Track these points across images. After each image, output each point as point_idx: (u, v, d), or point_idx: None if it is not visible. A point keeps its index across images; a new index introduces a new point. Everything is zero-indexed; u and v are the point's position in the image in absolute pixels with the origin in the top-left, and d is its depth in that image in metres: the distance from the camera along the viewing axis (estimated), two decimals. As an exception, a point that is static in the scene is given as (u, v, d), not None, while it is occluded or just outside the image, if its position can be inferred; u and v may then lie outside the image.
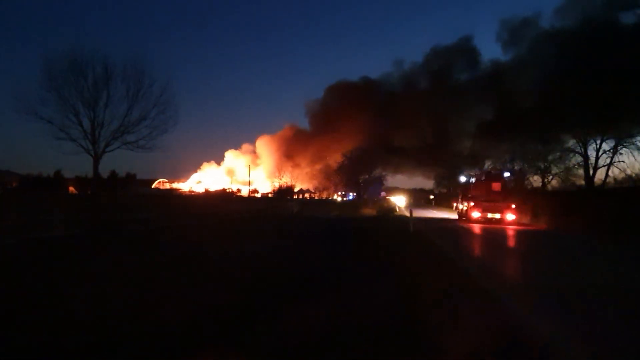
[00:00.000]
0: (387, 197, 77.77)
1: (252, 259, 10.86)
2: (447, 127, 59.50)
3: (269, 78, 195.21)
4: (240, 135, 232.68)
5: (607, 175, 35.44)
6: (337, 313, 5.87)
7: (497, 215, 27.67)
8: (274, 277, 8.42)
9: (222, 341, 4.72)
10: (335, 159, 67.02)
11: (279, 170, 74.57)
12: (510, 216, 27.26)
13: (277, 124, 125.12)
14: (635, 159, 33.53)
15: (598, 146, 35.68)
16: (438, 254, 12.58)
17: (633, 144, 33.73)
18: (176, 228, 19.01)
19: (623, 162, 34.37)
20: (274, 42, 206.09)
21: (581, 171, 37.43)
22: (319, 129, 76.79)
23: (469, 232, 22.04)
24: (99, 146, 26.68)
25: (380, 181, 68.80)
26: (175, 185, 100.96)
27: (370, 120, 65.84)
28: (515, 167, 42.77)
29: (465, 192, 31.95)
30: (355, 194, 70.45)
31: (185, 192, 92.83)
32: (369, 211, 43.37)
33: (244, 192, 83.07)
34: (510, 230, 22.70)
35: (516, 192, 31.44)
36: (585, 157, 36.80)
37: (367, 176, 65.19)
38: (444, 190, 76.50)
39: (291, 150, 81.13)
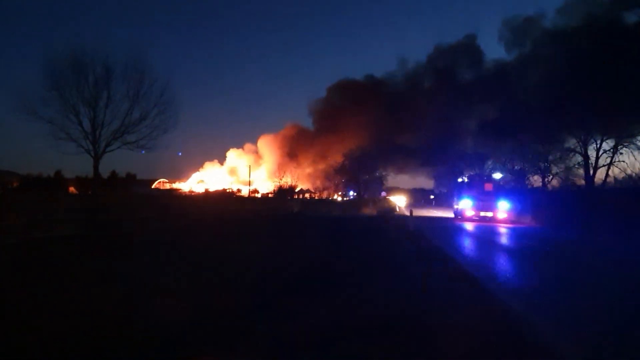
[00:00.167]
0: (387, 197, 77.74)
1: (252, 259, 10.86)
2: (450, 127, 59.46)
3: (271, 77, 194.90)
4: (242, 135, 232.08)
5: (607, 175, 35.42)
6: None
7: (490, 214, 30.19)
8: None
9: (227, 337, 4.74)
10: (336, 158, 66.90)
11: (279, 170, 74.44)
12: (501, 214, 29.80)
13: (279, 123, 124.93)
14: (636, 159, 33.50)
15: (598, 146, 35.67)
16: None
17: (633, 143, 33.69)
18: (174, 229, 19.01)
19: (623, 161, 34.34)
20: (276, 41, 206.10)
21: (581, 171, 37.40)
22: (322, 128, 76.64)
23: (459, 228, 25.07)
24: (99, 146, 26.59)
25: (380, 181, 68.79)
26: (175, 185, 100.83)
27: (373, 119, 65.69)
28: (516, 167, 42.92)
29: (460, 193, 33.89)
30: (355, 194, 70.40)
31: (185, 192, 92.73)
32: (369, 211, 43.49)
33: (244, 192, 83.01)
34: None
35: (510, 192, 33.81)
36: (586, 157, 36.77)
37: (367, 177, 65.11)
38: (445, 190, 76.51)
39: (293, 149, 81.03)
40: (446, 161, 56.91)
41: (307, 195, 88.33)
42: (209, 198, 71.58)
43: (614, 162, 34.92)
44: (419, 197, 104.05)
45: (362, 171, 63.85)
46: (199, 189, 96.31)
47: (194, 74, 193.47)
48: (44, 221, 15.23)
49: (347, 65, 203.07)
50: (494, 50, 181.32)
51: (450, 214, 38.24)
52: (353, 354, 4.45)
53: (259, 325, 5.26)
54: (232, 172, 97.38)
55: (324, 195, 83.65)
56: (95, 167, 27.40)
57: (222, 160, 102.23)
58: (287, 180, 70.91)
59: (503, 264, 12.51)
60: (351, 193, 72.28)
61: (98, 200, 29.59)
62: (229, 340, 4.76)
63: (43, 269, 8.96)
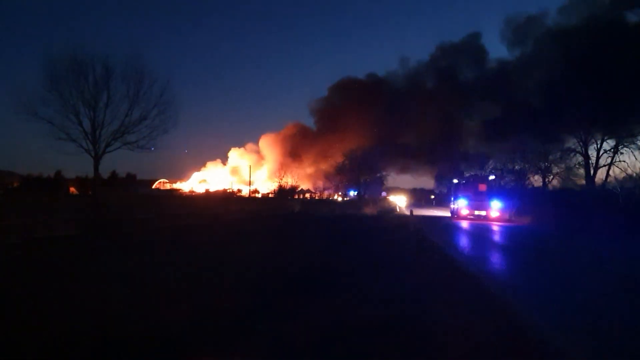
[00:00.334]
0: (388, 197, 77.73)
1: (252, 259, 10.86)
2: (452, 126, 59.42)
3: (273, 76, 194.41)
4: (244, 135, 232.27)
5: (607, 175, 35.42)
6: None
7: (483, 213, 32.36)
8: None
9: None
10: (338, 158, 66.79)
11: (280, 170, 74.37)
12: (494, 213, 31.91)
13: (281, 122, 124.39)
14: (636, 159, 33.50)
15: (599, 146, 35.66)
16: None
17: (634, 143, 33.68)
18: (174, 229, 19.01)
19: (624, 161, 34.34)
20: (277, 40, 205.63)
21: (582, 171, 37.40)
22: (324, 128, 76.53)
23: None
24: (99, 146, 26.61)
25: (381, 181, 68.76)
26: (175, 185, 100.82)
27: (375, 119, 65.55)
28: (516, 167, 42.95)
29: (456, 193, 36.16)
30: (356, 194, 70.36)
31: (185, 192, 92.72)
32: (369, 211, 43.55)
33: (245, 193, 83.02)
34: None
35: (502, 193, 36.20)
36: (586, 157, 36.76)
37: (367, 177, 65.04)
38: (445, 190, 76.48)
39: (295, 149, 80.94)
40: (447, 161, 56.97)
41: (307, 195, 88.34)
42: (209, 198, 71.59)
43: (615, 162, 34.92)
44: (419, 197, 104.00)
45: (363, 171, 63.80)
46: (200, 189, 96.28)
47: (195, 74, 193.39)
48: (44, 221, 15.23)
49: (349, 65, 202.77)
50: (495, 49, 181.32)
51: (449, 214, 39.82)
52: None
53: (259, 325, 5.25)
54: (235, 171, 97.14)
55: (325, 195, 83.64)
56: (96, 167, 27.42)
57: (225, 160, 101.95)
58: (288, 181, 70.82)
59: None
60: (351, 193, 72.21)
61: (98, 200, 29.60)
62: (229, 341, 4.75)
63: (43, 269, 8.96)
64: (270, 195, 78.02)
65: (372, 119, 65.90)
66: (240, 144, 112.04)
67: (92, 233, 15.50)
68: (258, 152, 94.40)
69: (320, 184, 78.30)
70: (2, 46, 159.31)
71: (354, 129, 66.97)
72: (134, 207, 28.23)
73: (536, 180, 41.64)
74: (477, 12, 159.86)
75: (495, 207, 32.04)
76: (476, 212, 32.57)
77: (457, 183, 37.79)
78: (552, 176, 40.29)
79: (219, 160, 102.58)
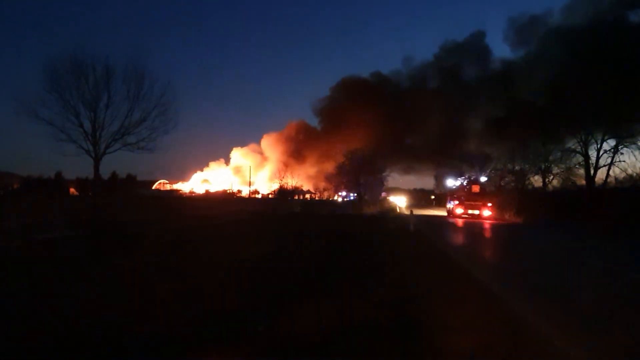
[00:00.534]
0: (388, 198, 77.69)
1: (252, 260, 10.84)
2: (455, 126, 59.42)
3: (275, 76, 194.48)
4: (246, 135, 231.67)
5: (607, 175, 35.40)
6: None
7: (476, 212, 34.85)
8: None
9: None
10: (339, 159, 66.66)
11: (280, 170, 74.29)
12: (486, 212, 34.39)
13: (284, 122, 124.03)
14: (637, 159, 33.47)
15: (599, 146, 35.63)
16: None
17: (634, 143, 33.65)
18: (174, 230, 19.00)
19: (624, 161, 34.33)
20: (280, 40, 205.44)
21: (582, 171, 37.37)
22: (327, 128, 76.49)
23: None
24: (99, 147, 26.56)
25: (381, 182, 68.65)
26: (175, 186, 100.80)
27: (378, 118, 65.45)
28: (516, 167, 42.97)
29: (452, 194, 39.27)
30: (356, 194, 70.30)
31: (185, 193, 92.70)
32: (370, 211, 43.68)
33: (245, 193, 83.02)
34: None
35: (494, 192, 39.25)
36: (586, 157, 36.73)
37: (370, 177, 64.93)
38: (445, 191, 76.40)
39: (298, 148, 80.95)
40: (448, 161, 56.99)
41: (307, 196, 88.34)
42: (209, 199, 71.58)
43: (615, 162, 34.91)
44: (419, 197, 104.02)
45: (363, 171, 63.71)
46: (200, 189, 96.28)
47: (196, 74, 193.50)
48: (45, 223, 15.23)
49: (352, 64, 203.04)
50: (499, 49, 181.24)
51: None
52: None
53: (259, 325, 5.25)
54: (237, 171, 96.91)
55: (325, 196, 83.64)
56: (96, 169, 27.35)
57: (228, 160, 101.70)
58: (289, 181, 70.73)
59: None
60: (351, 194, 72.19)
61: (98, 201, 29.58)
62: (230, 341, 4.75)
63: (44, 270, 8.96)
64: (270, 196, 78.04)
65: (375, 118, 65.84)
66: (243, 143, 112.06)
67: (92, 234, 15.50)
68: (261, 153, 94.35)
69: (321, 185, 78.30)
70: (3, 47, 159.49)
71: (357, 128, 66.90)
72: (134, 208, 28.24)
73: (536, 180, 41.64)
74: (481, 12, 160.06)
75: (487, 207, 34.53)
76: (470, 212, 35.07)
77: (453, 184, 41.03)
78: (552, 176, 40.28)
79: (222, 160, 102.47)
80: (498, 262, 13.46)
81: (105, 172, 62.76)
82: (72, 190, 68.12)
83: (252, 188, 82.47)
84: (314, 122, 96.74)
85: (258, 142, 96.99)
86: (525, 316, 6.16)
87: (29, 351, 4.41)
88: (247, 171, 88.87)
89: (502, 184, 43.29)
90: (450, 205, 38.98)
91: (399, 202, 73.81)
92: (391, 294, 7.21)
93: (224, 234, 18.09)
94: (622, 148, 34.41)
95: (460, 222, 30.81)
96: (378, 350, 4.59)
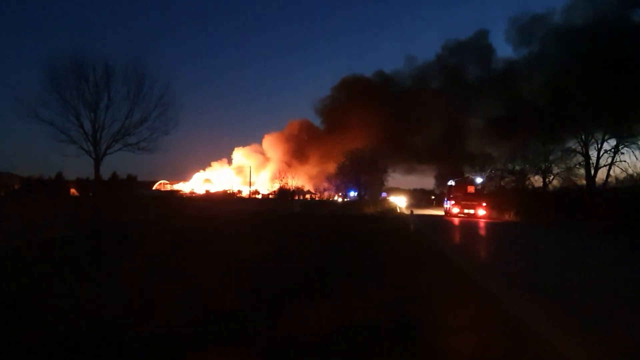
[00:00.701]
0: (388, 198, 77.67)
1: (251, 260, 10.84)
2: (456, 126, 59.43)
3: (277, 75, 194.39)
4: (248, 135, 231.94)
5: (608, 174, 35.41)
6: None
7: (472, 211, 36.49)
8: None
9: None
10: (341, 159, 66.58)
11: (282, 169, 74.25)
12: (481, 212, 36.12)
13: (286, 122, 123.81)
14: (637, 159, 33.47)
15: (599, 146, 35.63)
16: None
17: (635, 143, 33.64)
18: (173, 230, 19.01)
19: (624, 161, 34.32)
20: (280, 39, 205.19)
21: (582, 171, 37.37)
22: (330, 128, 76.38)
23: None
24: (100, 148, 26.58)
25: (381, 182, 68.69)
26: (176, 187, 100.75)
27: (381, 118, 65.34)
28: (516, 168, 43.00)
29: (448, 194, 40.43)
30: (356, 194, 70.30)
31: (185, 193, 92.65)
32: (370, 211, 43.74)
33: (245, 193, 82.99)
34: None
35: (493, 192, 41.22)
36: (587, 157, 36.72)
37: (370, 177, 64.91)
38: (445, 191, 76.38)
39: (300, 147, 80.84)
40: (450, 161, 57.10)
41: (307, 196, 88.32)
42: (209, 199, 71.57)
43: (615, 162, 34.90)
44: (420, 197, 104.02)
45: (364, 171, 63.70)
46: (200, 190, 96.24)
47: (198, 74, 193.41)
48: (45, 223, 15.24)
49: (354, 64, 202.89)
50: (501, 48, 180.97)
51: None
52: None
53: (259, 326, 5.25)
54: (240, 170, 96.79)
55: (325, 196, 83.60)
56: (96, 169, 27.37)
57: (230, 160, 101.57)
58: (289, 182, 70.70)
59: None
60: (351, 194, 72.17)
61: (99, 202, 29.59)
62: (230, 341, 4.75)
63: (44, 270, 8.96)
64: (270, 196, 78.05)
65: (376, 117, 65.78)
66: (245, 143, 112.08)
67: (92, 234, 15.50)
68: (262, 153, 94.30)
69: (322, 185, 78.27)
70: (3, 48, 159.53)
71: (358, 127, 66.81)
72: (134, 208, 28.23)
73: (536, 180, 41.66)
74: (485, 12, 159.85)
75: (482, 207, 36.26)
76: (466, 211, 36.79)
77: (449, 185, 42.04)
78: (552, 176, 40.28)
79: (224, 160, 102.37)
80: (494, 261, 13.48)
81: (105, 173, 62.73)
82: (72, 190, 68.05)
83: (253, 188, 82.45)
84: (316, 122, 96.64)
85: (260, 142, 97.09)
86: (524, 315, 6.16)
87: (29, 351, 4.41)
88: (250, 171, 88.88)
89: (502, 183, 43.42)
90: (447, 205, 40.59)
91: (399, 202, 73.78)
92: (391, 293, 7.20)
93: (223, 234, 18.09)
94: (622, 148, 34.43)
95: (456, 221, 32.03)
96: (378, 350, 4.59)
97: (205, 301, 6.49)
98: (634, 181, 31.65)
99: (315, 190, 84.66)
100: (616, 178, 34.54)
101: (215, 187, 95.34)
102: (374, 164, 63.22)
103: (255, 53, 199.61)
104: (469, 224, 29.38)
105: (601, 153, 35.62)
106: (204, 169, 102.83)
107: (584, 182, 36.83)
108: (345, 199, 76.69)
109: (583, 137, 36.34)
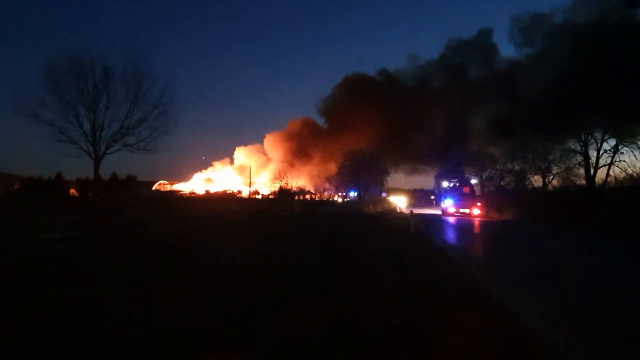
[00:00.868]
0: (388, 198, 77.72)
1: (251, 260, 10.85)
2: (458, 126, 59.35)
3: (278, 75, 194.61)
4: (249, 135, 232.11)
5: (607, 174, 35.40)
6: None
7: (467, 210, 38.70)
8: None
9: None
10: (340, 159, 66.50)
11: (282, 171, 74.25)
12: (475, 211, 38.28)
13: (287, 122, 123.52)
14: (637, 158, 33.47)
15: (599, 145, 35.63)
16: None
17: (634, 143, 33.64)
18: (173, 231, 19.01)
19: (624, 161, 34.32)
20: (282, 38, 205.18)
21: (582, 170, 37.38)
22: (331, 127, 76.31)
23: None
24: (99, 148, 26.64)
25: (381, 182, 68.75)
26: (176, 187, 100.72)
27: (383, 117, 65.26)
28: (516, 167, 43.13)
29: (445, 194, 42.88)
30: (356, 195, 70.34)
31: (185, 193, 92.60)
32: (370, 211, 43.92)
33: (245, 194, 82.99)
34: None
35: (483, 194, 44.24)
36: (586, 157, 36.73)
37: (370, 177, 64.94)
38: (442, 191, 76.37)
39: (301, 146, 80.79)
40: (450, 160, 57.12)
41: (307, 196, 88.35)
42: (209, 199, 71.52)
43: (615, 161, 34.90)
44: (419, 197, 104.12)
45: (364, 172, 63.75)
46: (200, 190, 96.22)
47: (198, 74, 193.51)
48: (45, 223, 15.24)
49: (356, 63, 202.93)
50: (504, 48, 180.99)
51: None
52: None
53: (259, 326, 5.25)
54: (242, 170, 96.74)
55: (325, 196, 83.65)
56: (96, 169, 27.43)
57: (232, 159, 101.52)
58: (290, 182, 70.72)
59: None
60: (351, 194, 72.19)
61: (98, 202, 29.61)
62: (230, 341, 4.75)
63: (44, 270, 8.96)
64: (270, 197, 78.04)
65: (378, 117, 65.73)
66: (247, 143, 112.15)
67: (92, 235, 15.50)
68: (264, 153, 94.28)
69: (322, 185, 78.29)
70: (2, 48, 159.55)
71: (360, 126, 66.74)
72: (134, 208, 28.22)
73: (536, 180, 41.74)
74: (489, 11, 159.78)
75: (477, 206, 38.19)
76: (461, 210, 38.96)
77: (446, 186, 44.65)
78: (552, 176, 40.32)
79: (227, 160, 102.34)
80: (490, 259, 13.48)
81: (105, 173, 62.71)
82: (72, 191, 67.92)
83: (253, 188, 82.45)
84: (318, 121, 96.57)
85: (261, 141, 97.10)
86: (520, 314, 6.18)
87: (29, 351, 4.41)
88: (250, 171, 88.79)
89: (502, 183, 43.57)
90: (444, 205, 42.89)
91: (399, 202, 73.86)
92: (391, 293, 7.21)
93: (223, 234, 18.09)
94: (622, 148, 34.43)
95: (452, 220, 33.35)
96: (378, 350, 4.59)
97: (205, 301, 6.50)
98: (634, 181, 31.65)
99: (316, 190, 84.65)
100: (615, 178, 34.55)
101: (216, 187, 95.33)
102: (374, 164, 63.24)
103: (257, 52, 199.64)
104: (463, 222, 30.64)
105: (601, 153, 35.65)
106: (204, 169, 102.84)
107: (584, 182, 36.84)
108: (346, 199, 76.72)
109: (583, 136, 36.35)
